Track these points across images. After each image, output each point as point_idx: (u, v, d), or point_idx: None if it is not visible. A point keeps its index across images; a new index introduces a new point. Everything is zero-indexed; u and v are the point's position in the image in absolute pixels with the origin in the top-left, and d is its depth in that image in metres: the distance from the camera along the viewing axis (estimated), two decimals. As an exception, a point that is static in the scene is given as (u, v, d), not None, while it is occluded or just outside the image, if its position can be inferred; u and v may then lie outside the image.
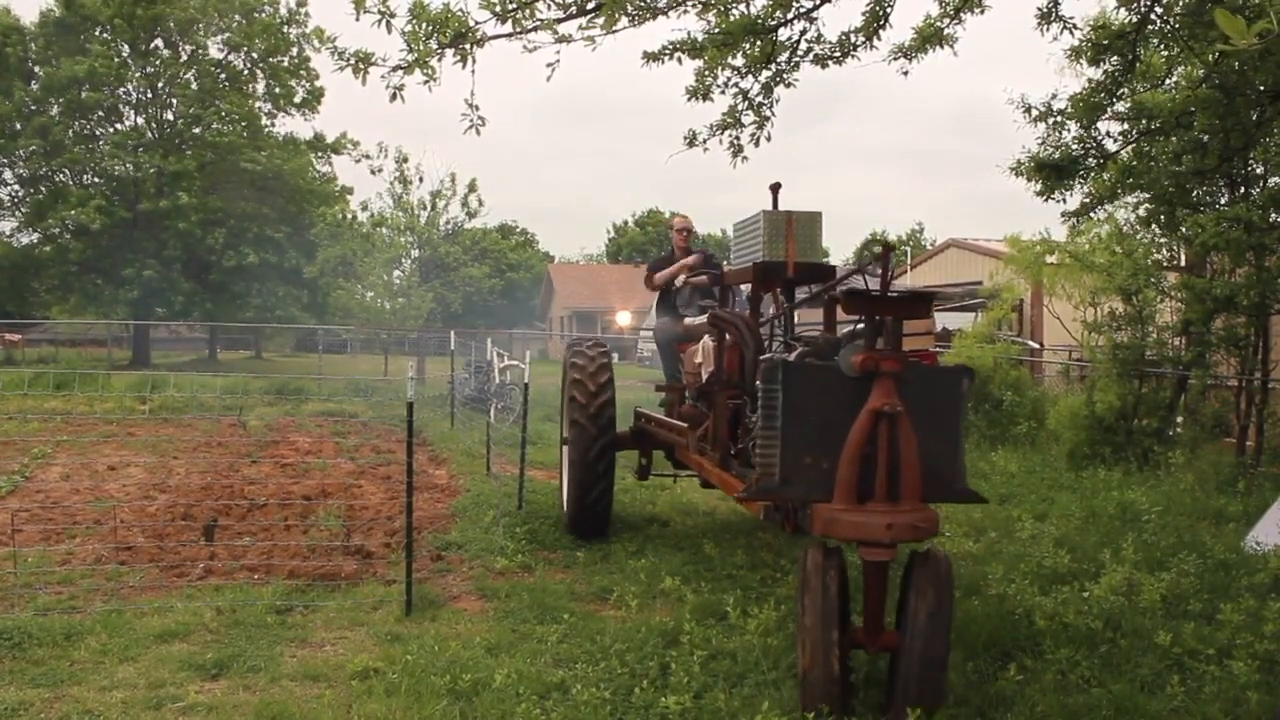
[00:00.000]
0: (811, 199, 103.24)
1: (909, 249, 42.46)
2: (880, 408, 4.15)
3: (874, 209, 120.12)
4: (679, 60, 6.65)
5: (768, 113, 7.37)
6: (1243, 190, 10.56)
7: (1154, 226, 11.24)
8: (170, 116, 35.91)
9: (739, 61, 6.98)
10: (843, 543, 4.30)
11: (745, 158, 7.54)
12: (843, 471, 4.20)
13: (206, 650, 5.46)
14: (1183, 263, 12.16)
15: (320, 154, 38.78)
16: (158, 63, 35.02)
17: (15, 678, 5.05)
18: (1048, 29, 7.42)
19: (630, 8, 5.64)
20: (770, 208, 6.34)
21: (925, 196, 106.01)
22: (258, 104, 36.96)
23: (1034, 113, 9.12)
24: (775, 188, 6.46)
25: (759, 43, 6.81)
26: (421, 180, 31.17)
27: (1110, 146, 9.05)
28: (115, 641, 5.56)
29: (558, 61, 5.49)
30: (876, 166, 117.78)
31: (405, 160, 30.57)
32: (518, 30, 5.42)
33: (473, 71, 5.44)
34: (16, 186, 35.36)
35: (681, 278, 8.18)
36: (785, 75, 7.17)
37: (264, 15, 35.71)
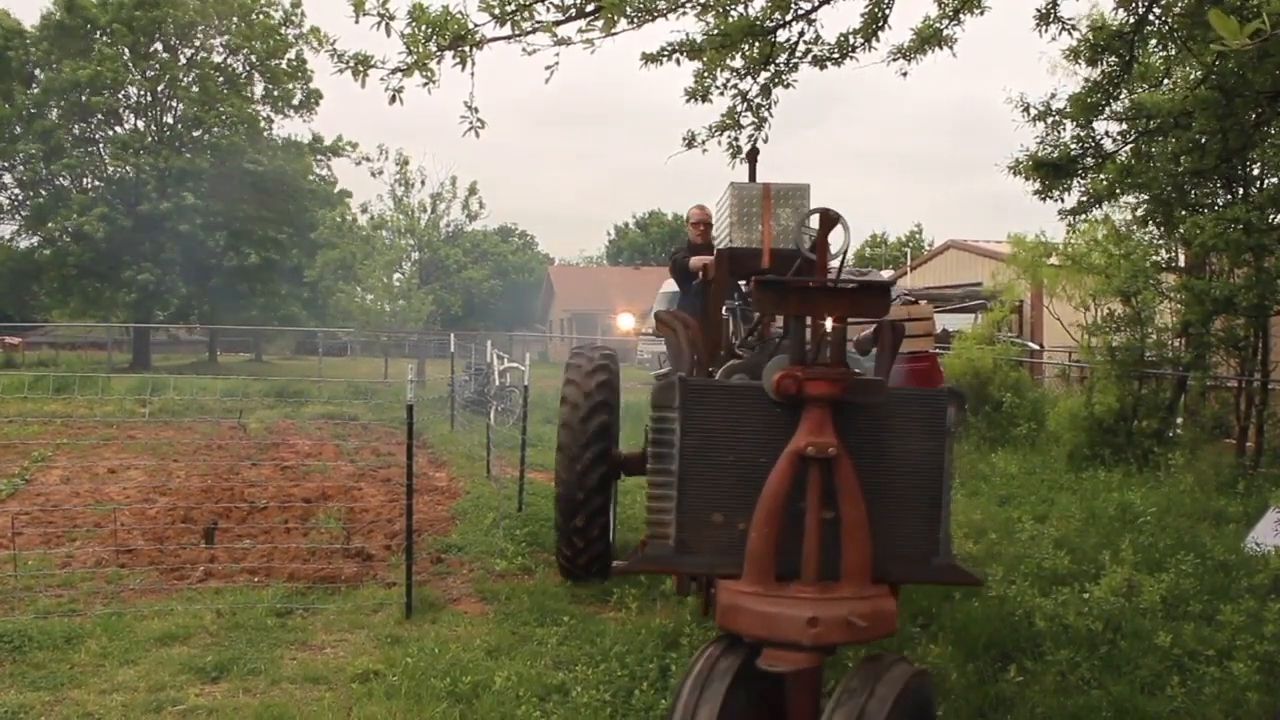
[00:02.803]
0: (809, 200, 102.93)
1: (908, 250, 42.47)
2: (803, 449, 3.07)
3: (873, 210, 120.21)
4: (678, 61, 6.66)
5: (766, 114, 7.37)
6: (1241, 191, 10.56)
7: (1152, 227, 11.25)
8: (170, 119, 35.93)
9: (738, 63, 6.98)
10: (751, 641, 3.08)
11: (745, 158, 7.54)
12: (753, 538, 3.09)
13: (207, 653, 5.46)
14: (1182, 264, 12.16)
15: (319, 157, 38.79)
16: (157, 66, 35.04)
17: (15, 680, 5.05)
18: (1046, 29, 7.43)
19: (629, 10, 5.64)
20: (746, 180, 5.11)
21: (925, 197, 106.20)
22: (256, 106, 36.98)
23: (1032, 112, 9.12)
24: (752, 155, 5.32)
25: (758, 44, 6.81)
26: (424, 183, 31.09)
27: (1109, 146, 9.05)
28: (115, 644, 5.56)
29: (557, 64, 5.50)
30: (874, 168, 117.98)
31: (406, 163, 30.59)
32: (517, 33, 5.43)
33: (472, 74, 5.44)
34: (16, 190, 35.37)
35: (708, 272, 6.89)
36: (784, 76, 7.17)
37: (261, 17, 35.73)
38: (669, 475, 3.32)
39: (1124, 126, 9.02)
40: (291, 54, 36.68)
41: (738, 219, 4.97)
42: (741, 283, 6.19)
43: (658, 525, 3.35)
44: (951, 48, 7.05)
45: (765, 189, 4.93)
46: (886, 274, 23.36)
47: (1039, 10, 7.36)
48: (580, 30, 5.56)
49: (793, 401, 3.15)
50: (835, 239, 3.59)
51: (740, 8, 6.51)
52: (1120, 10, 7.70)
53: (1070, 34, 7.56)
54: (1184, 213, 10.22)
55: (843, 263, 3.75)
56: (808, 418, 3.10)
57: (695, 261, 6.83)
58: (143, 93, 35.39)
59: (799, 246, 3.54)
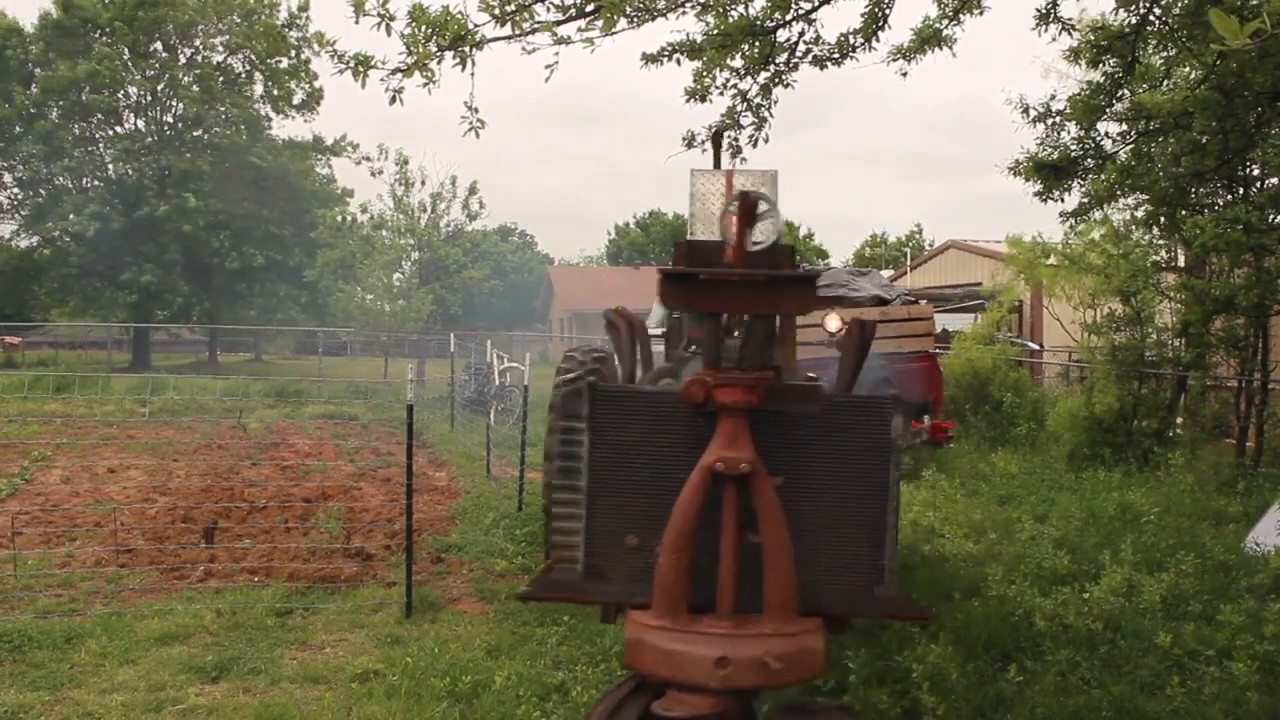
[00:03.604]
0: (809, 201, 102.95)
1: (908, 250, 42.47)
2: (714, 465, 2.73)
3: (872, 211, 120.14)
4: (678, 62, 6.66)
5: (766, 114, 7.38)
6: (1241, 191, 10.56)
7: (1154, 228, 11.25)
8: (170, 119, 35.93)
9: (738, 63, 6.99)
10: (655, 683, 2.80)
11: (744, 159, 7.54)
12: (661, 565, 2.77)
13: (207, 653, 5.46)
14: (1181, 264, 12.16)
15: (320, 156, 38.79)
16: (156, 65, 35.03)
17: (15, 680, 5.05)
18: (1045, 30, 7.42)
19: (629, 10, 5.64)
20: (711, 166, 4.55)
21: (924, 198, 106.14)
22: (256, 106, 36.97)
23: (1033, 113, 9.12)
24: (716, 138, 4.80)
25: (758, 44, 6.82)
26: (424, 182, 31.08)
27: (1109, 147, 9.05)
28: (115, 644, 5.56)
29: (556, 63, 5.50)
30: (873, 169, 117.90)
31: (406, 163, 30.58)
32: (517, 33, 5.43)
33: (472, 74, 5.44)
34: (16, 190, 35.37)
35: None
36: (784, 76, 7.18)
37: (264, 18, 35.73)
38: (576, 492, 2.98)
39: (1124, 127, 9.02)
40: (294, 54, 36.68)
41: (699, 209, 4.44)
42: None
43: (564, 548, 3.01)
44: (951, 48, 7.05)
45: (728, 176, 4.42)
46: (886, 274, 23.36)
47: (1039, 10, 7.36)
48: (580, 29, 5.56)
49: (704, 410, 2.80)
50: (766, 228, 3.18)
51: (740, 8, 6.51)
52: (1121, 10, 7.70)
53: (1070, 34, 7.56)
54: (1184, 213, 10.23)
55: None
56: (721, 429, 2.75)
57: None
58: (142, 92, 35.38)
59: (722, 235, 3.17)
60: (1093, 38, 7.88)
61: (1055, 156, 8.93)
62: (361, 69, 5.43)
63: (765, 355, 2.90)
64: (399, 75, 5.44)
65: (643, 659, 2.74)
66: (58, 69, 32.55)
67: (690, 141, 7.53)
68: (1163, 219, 10.70)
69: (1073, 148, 8.95)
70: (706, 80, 7.04)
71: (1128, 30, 7.70)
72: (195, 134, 35.37)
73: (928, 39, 7.00)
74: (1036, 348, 19.44)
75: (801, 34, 6.93)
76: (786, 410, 2.85)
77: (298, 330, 39.87)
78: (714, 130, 4.59)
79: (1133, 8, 7.46)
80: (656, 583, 2.77)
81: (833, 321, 10.96)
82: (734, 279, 2.87)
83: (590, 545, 2.98)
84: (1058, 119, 8.94)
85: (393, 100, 5.50)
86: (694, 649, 2.65)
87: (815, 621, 2.81)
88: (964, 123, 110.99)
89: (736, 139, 7.52)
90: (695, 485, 2.74)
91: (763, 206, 3.05)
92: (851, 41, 6.99)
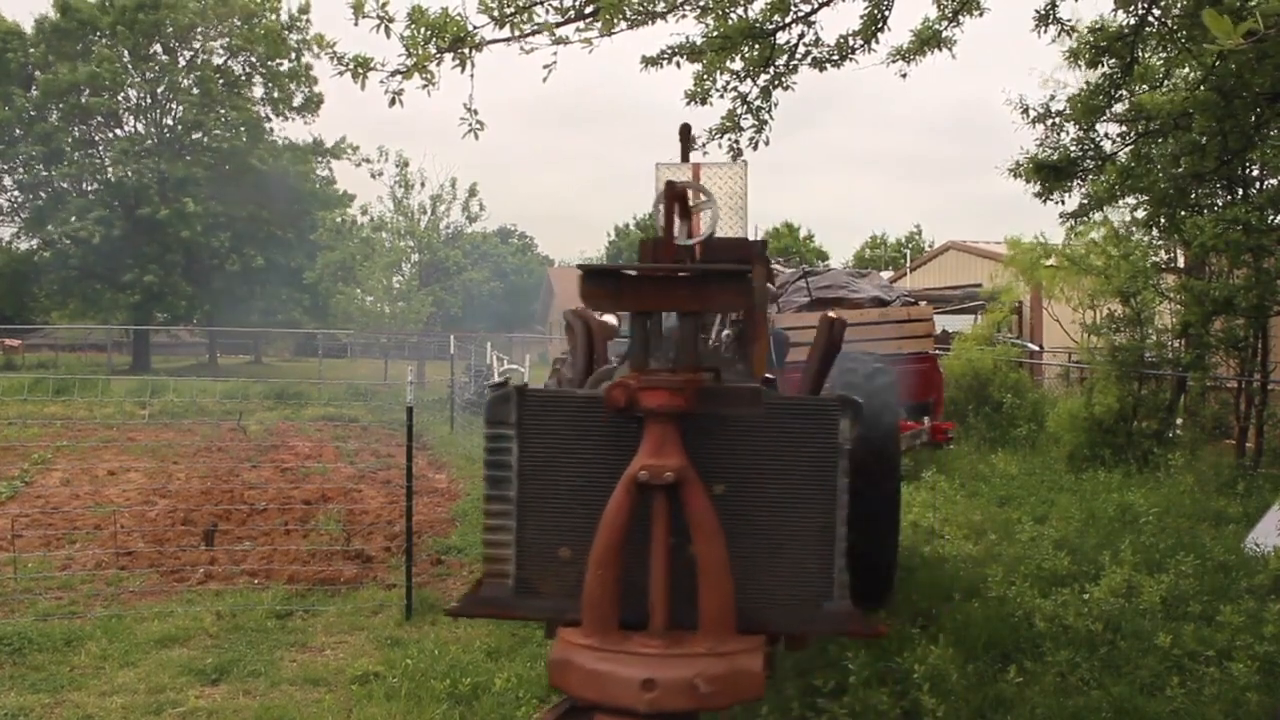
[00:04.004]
0: (809, 202, 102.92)
1: (908, 251, 42.48)
2: (638, 475, 2.55)
3: (871, 212, 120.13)
4: (678, 64, 6.67)
5: (766, 116, 7.38)
6: (1241, 192, 10.57)
7: (1153, 229, 11.25)
8: (170, 122, 35.95)
9: (737, 65, 6.99)
10: (583, 705, 2.66)
11: (744, 161, 7.54)
12: (588, 580, 2.61)
13: (207, 655, 5.46)
14: (1181, 265, 12.17)
15: (320, 159, 38.82)
16: (156, 68, 35.05)
17: (15, 683, 5.05)
18: (1045, 31, 7.43)
19: (628, 11, 5.65)
20: (679, 159, 4.25)
21: (924, 199, 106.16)
22: (255, 108, 36.98)
23: (1032, 114, 9.13)
24: (684, 131, 4.28)
25: (757, 46, 6.82)
26: (424, 184, 31.12)
27: (1108, 148, 9.06)
28: (115, 646, 5.56)
29: (554, 64, 5.50)
30: (873, 170, 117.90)
31: (406, 165, 30.61)
32: (516, 34, 5.43)
33: (471, 76, 5.45)
34: (16, 192, 35.38)
35: None
36: (783, 78, 7.18)
37: (265, 20, 35.75)
38: (506, 503, 2.85)
39: (1124, 128, 9.03)
40: (294, 57, 36.70)
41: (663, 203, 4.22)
42: None
43: (495, 561, 2.87)
44: (951, 49, 7.06)
45: (695, 170, 4.14)
46: (886, 275, 23.36)
47: (1038, 11, 7.37)
48: (578, 29, 5.57)
49: (628, 416, 2.58)
50: (705, 221, 2.99)
51: (740, 10, 6.52)
52: (1120, 12, 7.71)
53: (1069, 35, 7.57)
54: (1184, 214, 10.23)
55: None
56: (647, 436, 2.55)
57: None
58: (142, 95, 35.40)
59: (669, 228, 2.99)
60: (1091, 39, 7.89)
61: (1055, 157, 8.94)
62: (361, 71, 5.43)
63: (697, 356, 2.71)
64: (398, 77, 5.45)
65: (569, 680, 2.59)
66: (58, 72, 32.57)
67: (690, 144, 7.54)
68: (1162, 220, 10.71)
69: (1072, 149, 8.96)
70: (707, 83, 7.05)
71: (1127, 31, 7.71)
72: (195, 136, 35.39)
73: (927, 40, 7.01)
74: (1036, 349, 19.45)
75: (801, 36, 6.94)
76: (725, 414, 2.63)
77: (298, 332, 39.87)
78: (683, 125, 4.26)
79: (1131, 8, 7.47)
80: (584, 599, 2.58)
81: None
82: (660, 275, 2.69)
83: (521, 558, 2.82)
84: (1057, 120, 8.95)
85: (392, 102, 5.50)
86: (620, 670, 2.48)
87: (756, 640, 2.62)
88: (964, 124, 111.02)
89: (737, 142, 7.53)
90: (620, 496, 2.54)
91: (699, 199, 2.88)
92: (851, 43, 6.99)
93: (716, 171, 4.18)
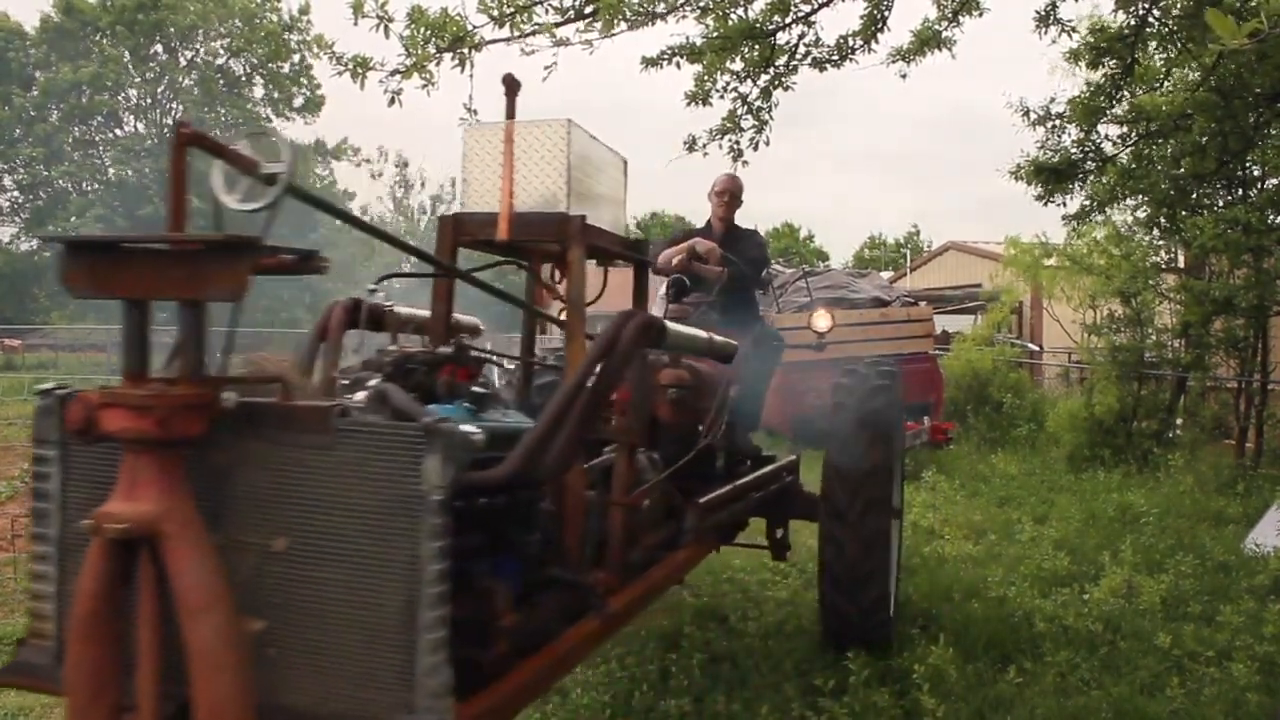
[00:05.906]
0: (809, 202, 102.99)
1: (908, 251, 42.49)
2: (95, 526, 1.83)
3: (871, 212, 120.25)
4: (678, 65, 6.68)
5: (766, 117, 7.39)
6: (1241, 192, 10.58)
7: (1154, 229, 11.26)
8: (171, 122, 36.00)
9: (737, 65, 7.00)
10: None
11: (745, 162, 7.55)
12: (66, 663, 1.94)
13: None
14: (1181, 265, 12.18)
15: (321, 159, 38.89)
16: (157, 68, 35.10)
17: (15, 683, 5.03)
18: (1045, 31, 7.45)
19: (628, 12, 5.66)
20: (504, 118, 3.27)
21: (924, 199, 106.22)
22: (256, 108, 37.05)
23: (1032, 116, 9.14)
24: (510, 83, 3.22)
25: (757, 47, 6.83)
26: (424, 185, 31.19)
27: (1109, 150, 9.07)
28: (115, 646, 5.53)
29: (554, 64, 5.51)
30: (873, 170, 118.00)
31: (406, 165, 30.69)
32: (516, 35, 5.45)
33: (471, 76, 5.46)
34: (17, 193, 35.44)
35: (677, 259, 5.19)
36: (783, 79, 7.19)
37: (266, 21, 35.81)
38: (47, 544, 2.16)
39: (1124, 129, 9.05)
40: (295, 58, 36.76)
41: (472, 173, 3.22)
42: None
43: (37, 618, 2.17)
44: (951, 50, 7.07)
45: (508, 129, 3.11)
46: (886, 275, 23.37)
47: (1038, 12, 7.39)
48: (578, 30, 5.59)
49: (96, 442, 1.90)
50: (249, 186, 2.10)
51: (739, 10, 6.53)
52: (1120, 12, 7.72)
53: (1070, 36, 7.59)
54: (1184, 214, 10.24)
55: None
56: (121, 472, 1.86)
57: (666, 254, 5.26)
58: (143, 95, 35.46)
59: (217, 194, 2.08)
60: (1092, 39, 7.90)
61: (1056, 160, 8.95)
62: (360, 71, 5.44)
63: (197, 360, 2.00)
64: (398, 77, 5.46)
65: None
66: (58, 72, 32.63)
67: (691, 145, 7.54)
68: (1163, 220, 10.73)
69: (1073, 150, 8.98)
70: (706, 84, 7.06)
71: (1127, 32, 7.72)
72: (195, 136, 35.46)
73: (927, 41, 7.02)
74: (1036, 349, 19.46)
75: (801, 37, 6.95)
76: (285, 444, 1.93)
77: (297, 333, 39.93)
78: (507, 76, 3.23)
79: (1132, 9, 7.48)
80: (64, 686, 1.92)
81: (821, 321, 10.91)
82: (149, 251, 1.91)
83: (65, 616, 2.04)
84: (1057, 121, 8.97)
85: (391, 102, 5.52)
86: None
87: None
88: (964, 124, 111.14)
89: (737, 143, 7.54)
90: (95, 553, 1.85)
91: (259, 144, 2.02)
92: (851, 44, 7.01)
93: (540, 129, 3.12)
